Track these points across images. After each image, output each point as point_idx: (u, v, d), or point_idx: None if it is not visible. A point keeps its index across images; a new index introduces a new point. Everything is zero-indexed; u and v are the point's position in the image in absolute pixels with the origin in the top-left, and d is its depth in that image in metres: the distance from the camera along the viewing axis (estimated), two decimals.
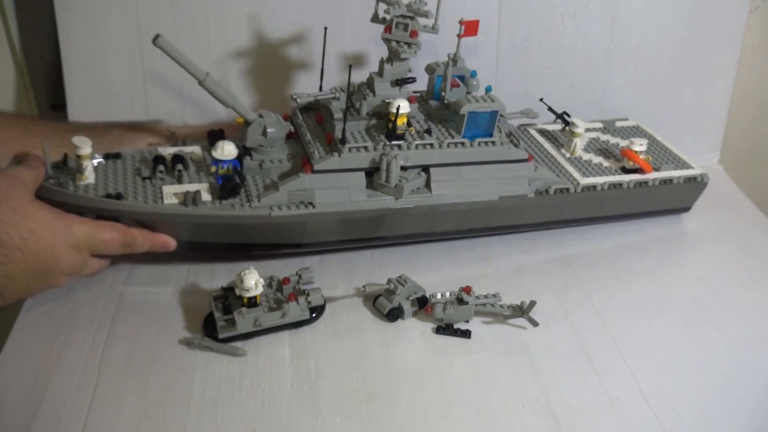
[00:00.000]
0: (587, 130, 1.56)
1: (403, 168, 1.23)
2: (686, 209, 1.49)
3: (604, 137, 1.54)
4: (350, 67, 1.17)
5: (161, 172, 1.21)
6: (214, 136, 1.29)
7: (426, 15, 1.22)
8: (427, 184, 1.25)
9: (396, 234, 1.29)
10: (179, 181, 1.20)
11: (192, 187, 1.19)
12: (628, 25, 1.58)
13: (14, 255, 1.02)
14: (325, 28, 1.25)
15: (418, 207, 1.24)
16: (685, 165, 1.46)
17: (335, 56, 1.49)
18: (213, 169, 1.20)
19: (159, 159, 1.22)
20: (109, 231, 1.13)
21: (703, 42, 1.62)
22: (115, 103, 1.48)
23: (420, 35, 1.23)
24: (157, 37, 1.11)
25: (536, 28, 1.55)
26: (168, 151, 1.27)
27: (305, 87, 1.46)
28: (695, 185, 1.43)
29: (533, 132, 1.54)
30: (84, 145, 1.14)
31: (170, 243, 1.19)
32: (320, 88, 1.27)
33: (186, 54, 1.16)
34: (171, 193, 1.17)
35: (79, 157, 1.15)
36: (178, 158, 1.23)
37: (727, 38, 1.64)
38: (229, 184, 1.17)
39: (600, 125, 1.59)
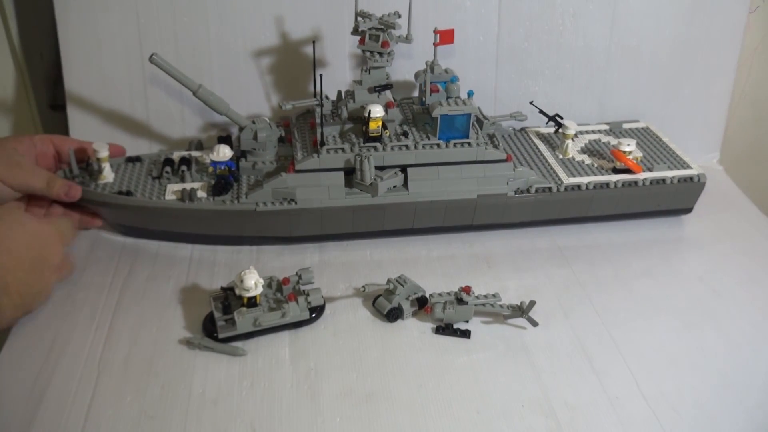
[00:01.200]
0: (590, 132, 1.56)
1: (381, 168, 1.29)
2: (687, 210, 1.47)
3: (605, 139, 1.54)
4: (321, 76, 1.24)
5: (167, 172, 1.33)
6: (223, 141, 1.39)
7: (394, 26, 1.28)
8: (405, 183, 1.30)
9: (377, 229, 1.35)
10: (182, 180, 1.33)
11: (192, 186, 1.30)
12: (628, 25, 1.58)
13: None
14: (314, 42, 1.31)
15: (395, 204, 1.30)
16: (684, 166, 1.45)
17: (339, 57, 1.50)
18: (211, 169, 1.31)
19: (168, 161, 1.36)
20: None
21: (703, 42, 1.62)
22: (115, 103, 1.48)
23: (396, 45, 1.29)
24: (152, 55, 1.22)
25: (536, 27, 1.55)
26: (179, 154, 1.39)
27: (310, 89, 1.47)
28: (692, 186, 1.42)
29: (531, 135, 1.54)
30: (102, 150, 1.29)
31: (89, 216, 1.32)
32: (314, 95, 1.32)
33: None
34: (172, 190, 1.29)
35: (98, 159, 1.29)
36: (184, 160, 1.36)
37: (727, 38, 1.64)
38: (220, 183, 1.28)
39: (606, 127, 1.59)
